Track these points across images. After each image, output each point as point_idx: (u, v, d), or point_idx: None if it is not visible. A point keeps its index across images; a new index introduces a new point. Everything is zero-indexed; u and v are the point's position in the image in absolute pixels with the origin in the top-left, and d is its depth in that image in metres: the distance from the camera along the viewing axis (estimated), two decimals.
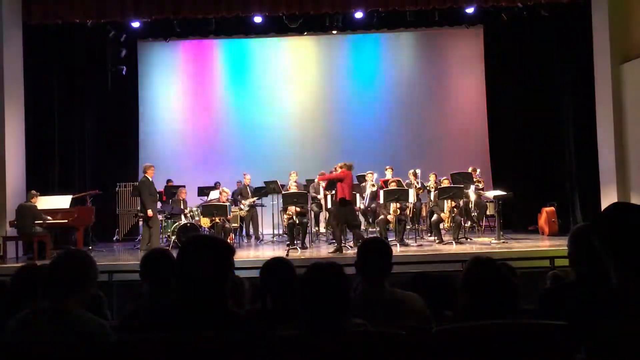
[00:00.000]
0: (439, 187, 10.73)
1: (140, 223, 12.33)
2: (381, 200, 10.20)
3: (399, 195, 9.99)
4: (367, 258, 3.08)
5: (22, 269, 3.21)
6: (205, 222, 10.83)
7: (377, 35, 14.16)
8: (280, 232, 12.08)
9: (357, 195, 10.22)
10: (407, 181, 11.31)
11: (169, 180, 12.43)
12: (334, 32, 13.65)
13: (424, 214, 11.60)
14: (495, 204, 10.68)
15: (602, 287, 2.23)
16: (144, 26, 12.35)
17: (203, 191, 12.38)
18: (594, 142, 10.86)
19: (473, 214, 11.27)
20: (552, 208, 11.39)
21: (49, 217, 10.22)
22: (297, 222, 10.16)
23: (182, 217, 11.14)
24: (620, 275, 2.13)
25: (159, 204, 10.88)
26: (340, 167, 9.80)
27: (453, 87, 14.25)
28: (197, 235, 2.63)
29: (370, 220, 11.10)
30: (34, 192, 10.27)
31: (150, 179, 10.29)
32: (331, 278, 2.40)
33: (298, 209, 10.22)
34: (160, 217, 10.78)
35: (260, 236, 12.30)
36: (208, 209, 10.57)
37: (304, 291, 2.40)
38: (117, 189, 13.10)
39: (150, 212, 10.06)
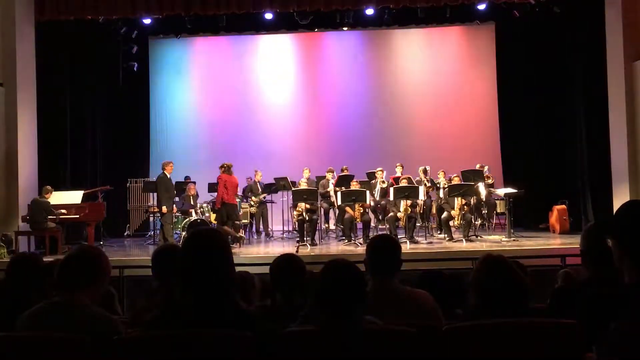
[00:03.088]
0: (449, 184, 10.70)
1: (151, 219, 12.43)
2: (391, 198, 10.19)
3: (409, 192, 9.97)
4: (376, 256, 3.07)
5: (15, 260, 3.26)
6: (215, 217, 10.85)
7: (388, 32, 14.12)
8: (290, 228, 12.09)
9: (367, 192, 10.22)
10: (417, 178, 11.28)
11: (186, 177, 12.43)
12: (345, 28, 13.62)
13: (434, 211, 11.57)
14: (506, 202, 10.63)
15: (615, 286, 2.22)
16: (155, 23, 12.39)
17: (213, 187, 12.40)
18: (606, 139, 10.78)
19: (483, 211, 11.22)
20: (564, 206, 11.32)
21: (63, 211, 10.29)
22: (307, 218, 10.17)
23: (193, 212, 11.16)
24: (633, 274, 2.12)
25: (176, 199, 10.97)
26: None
27: (464, 84, 14.17)
28: (195, 231, 2.62)
29: (380, 217, 11.09)
30: (48, 187, 10.34)
31: (168, 176, 10.38)
32: (348, 276, 2.40)
33: (308, 206, 10.23)
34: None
35: (270, 232, 12.32)
36: None
37: (320, 288, 2.40)
38: (128, 184, 13.15)
39: (164, 209, 10.16)
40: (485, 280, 2.57)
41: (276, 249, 10.24)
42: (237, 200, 10.73)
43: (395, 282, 3.00)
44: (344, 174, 11.56)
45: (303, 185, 10.67)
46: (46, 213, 10.04)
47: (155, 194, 11.93)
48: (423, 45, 14.40)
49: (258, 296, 3.77)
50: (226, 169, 10.21)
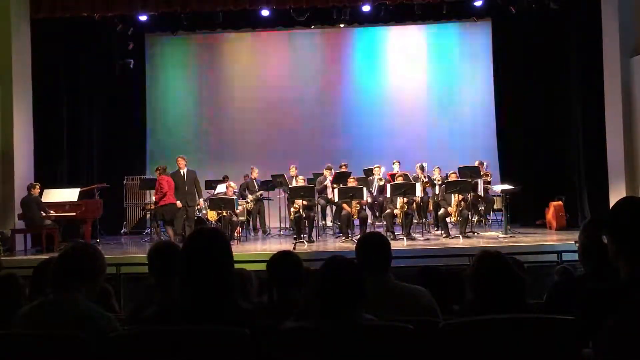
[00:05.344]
0: (444, 181, 10.71)
1: (147, 216, 12.43)
2: (388, 194, 10.20)
3: (406, 189, 9.97)
4: (367, 253, 3.06)
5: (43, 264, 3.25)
6: (212, 215, 10.86)
7: (384, 28, 14.11)
8: (287, 225, 12.09)
9: (364, 189, 10.24)
10: (414, 175, 11.29)
11: None
12: (342, 25, 13.61)
13: (430, 207, 11.59)
14: (502, 198, 10.64)
15: (612, 281, 2.22)
16: (152, 19, 12.34)
17: (210, 184, 12.41)
18: (603, 135, 10.79)
19: (480, 208, 11.24)
20: (560, 202, 11.34)
21: (51, 211, 10.26)
22: (304, 215, 10.17)
23: None
24: (630, 270, 2.12)
25: None
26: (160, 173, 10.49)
27: (461, 80, 14.17)
28: (197, 230, 2.63)
29: (377, 214, 11.10)
30: (33, 183, 10.29)
31: (181, 171, 10.56)
32: (349, 273, 2.40)
33: (305, 203, 10.23)
34: None
35: (267, 230, 12.32)
36: (215, 203, 10.60)
37: (320, 286, 2.40)
38: (124, 182, 13.13)
39: (178, 203, 10.41)
40: (482, 277, 2.57)
41: (273, 246, 10.24)
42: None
43: (390, 278, 3.00)
44: (341, 170, 11.56)
45: (300, 182, 10.67)
46: (39, 208, 10.01)
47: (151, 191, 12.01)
48: (420, 42, 14.39)
49: (255, 293, 3.77)
50: (162, 170, 10.45)
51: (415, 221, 10.79)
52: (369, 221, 10.88)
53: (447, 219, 10.48)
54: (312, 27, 13.76)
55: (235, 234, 10.88)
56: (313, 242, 10.28)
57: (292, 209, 10.57)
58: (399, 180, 10.38)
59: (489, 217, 11.80)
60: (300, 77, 14.43)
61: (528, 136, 12.80)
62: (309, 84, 14.38)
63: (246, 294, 3.56)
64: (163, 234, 10.86)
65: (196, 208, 11.21)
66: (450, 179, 10.55)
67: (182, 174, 10.54)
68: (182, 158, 10.67)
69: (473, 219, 10.93)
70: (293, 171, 11.50)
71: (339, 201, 10.40)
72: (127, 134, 13.63)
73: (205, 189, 12.42)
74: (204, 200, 11.57)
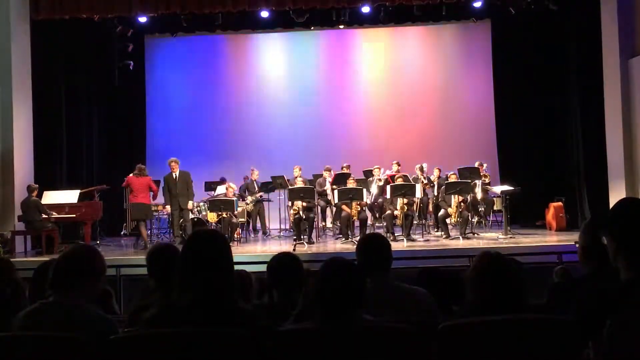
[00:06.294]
0: (445, 182, 10.71)
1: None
2: (388, 195, 10.20)
3: (406, 190, 9.97)
4: (368, 255, 3.06)
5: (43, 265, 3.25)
6: (212, 216, 10.86)
7: (384, 30, 14.11)
8: (287, 227, 12.08)
9: (364, 190, 10.24)
10: (413, 176, 11.29)
11: None
12: (341, 26, 13.61)
13: (430, 209, 11.58)
14: (502, 199, 10.64)
15: (612, 282, 2.22)
16: (151, 21, 12.34)
17: (210, 186, 12.41)
18: (602, 136, 10.81)
19: (480, 209, 11.24)
20: (560, 203, 11.34)
21: (53, 213, 10.25)
22: (304, 217, 10.16)
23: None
24: (630, 271, 2.12)
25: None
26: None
27: (460, 81, 14.18)
28: (195, 231, 2.63)
29: (377, 215, 11.10)
30: (33, 185, 10.28)
31: (172, 174, 10.60)
32: (348, 274, 2.40)
33: (304, 204, 10.23)
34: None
35: (268, 231, 12.32)
36: (215, 204, 10.60)
37: (320, 287, 2.40)
38: (124, 184, 13.11)
39: (166, 208, 10.65)
40: (482, 278, 2.57)
41: (273, 248, 10.23)
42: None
43: (390, 279, 3.00)
44: (342, 171, 11.56)
45: (299, 184, 10.67)
46: (38, 211, 10.01)
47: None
48: (419, 43, 14.40)
49: (255, 294, 3.78)
50: (140, 171, 10.54)
51: (415, 222, 10.78)
52: (369, 222, 10.88)
53: (447, 220, 10.48)
54: (312, 28, 13.77)
55: (235, 235, 10.88)
56: (313, 243, 10.28)
57: (291, 211, 10.55)
58: (399, 181, 10.39)
59: (488, 218, 11.80)
60: (300, 79, 14.44)
61: (528, 137, 12.81)
62: (308, 85, 14.39)
63: (246, 295, 3.56)
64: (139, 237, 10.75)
65: (195, 210, 11.19)
66: (450, 180, 10.55)
67: (174, 176, 10.53)
68: (174, 161, 10.64)
69: (473, 220, 10.93)
70: (297, 172, 11.47)
71: (338, 202, 10.40)
72: (127, 135, 13.64)
73: (205, 191, 12.42)
74: (203, 202, 11.56)
